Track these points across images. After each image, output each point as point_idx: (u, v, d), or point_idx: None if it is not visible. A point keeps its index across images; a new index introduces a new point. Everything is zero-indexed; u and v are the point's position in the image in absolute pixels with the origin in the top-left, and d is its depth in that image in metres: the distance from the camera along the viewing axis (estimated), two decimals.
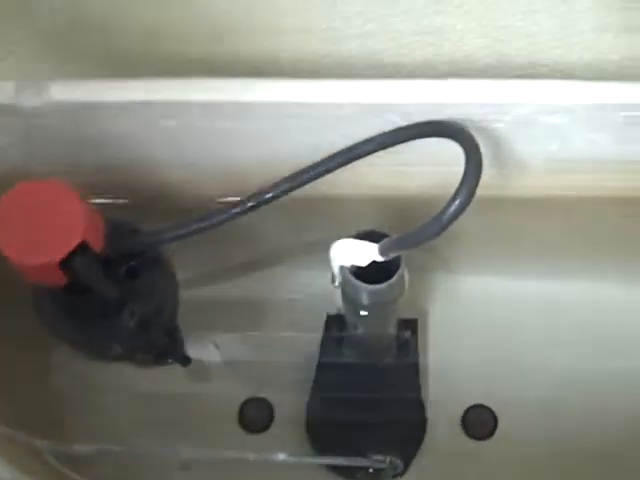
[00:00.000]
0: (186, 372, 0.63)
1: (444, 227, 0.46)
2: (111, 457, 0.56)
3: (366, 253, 0.49)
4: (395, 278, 0.50)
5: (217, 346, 0.64)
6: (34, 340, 0.58)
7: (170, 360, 0.58)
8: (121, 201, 0.60)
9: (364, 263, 0.49)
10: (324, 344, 0.65)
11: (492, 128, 0.50)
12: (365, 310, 0.55)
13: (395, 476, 0.59)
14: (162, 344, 0.54)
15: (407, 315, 0.66)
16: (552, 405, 0.65)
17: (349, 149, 0.49)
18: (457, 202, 0.45)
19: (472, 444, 0.65)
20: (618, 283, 0.66)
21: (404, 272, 0.52)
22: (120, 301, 0.50)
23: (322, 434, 0.63)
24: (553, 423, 0.65)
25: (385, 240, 0.48)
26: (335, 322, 0.64)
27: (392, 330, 0.64)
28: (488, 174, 0.58)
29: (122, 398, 0.64)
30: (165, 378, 0.63)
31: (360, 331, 0.61)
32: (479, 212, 0.62)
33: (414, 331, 0.66)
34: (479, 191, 0.57)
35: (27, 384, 0.63)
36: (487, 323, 0.67)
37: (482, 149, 0.46)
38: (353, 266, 0.51)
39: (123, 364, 0.60)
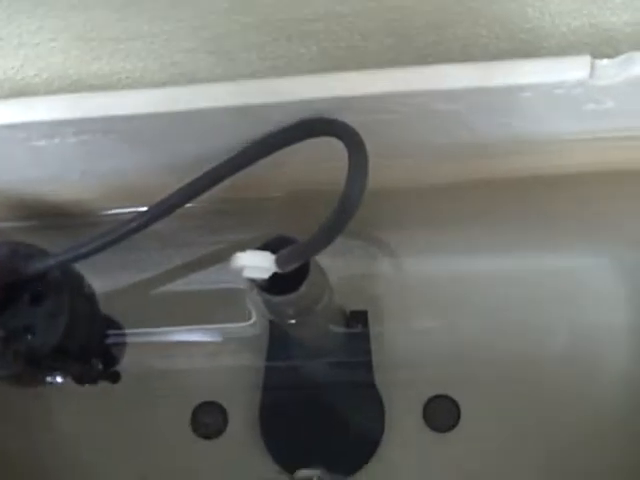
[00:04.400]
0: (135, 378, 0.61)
1: (336, 234, 0.42)
2: None
3: (265, 266, 0.45)
4: (303, 288, 0.47)
5: None
6: None
7: (97, 380, 0.55)
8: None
9: (265, 276, 0.46)
10: (270, 346, 0.62)
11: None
12: (291, 318, 0.52)
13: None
14: (78, 367, 0.52)
15: (358, 306, 0.63)
16: (515, 390, 0.62)
17: (232, 158, 0.45)
18: (345, 207, 0.41)
19: (434, 436, 0.62)
20: (571, 258, 0.62)
21: (318, 277, 0.49)
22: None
23: (277, 437, 0.61)
24: (518, 410, 0.61)
25: (280, 253, 0.45)
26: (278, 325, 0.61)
27: (339, 325, 0.61)
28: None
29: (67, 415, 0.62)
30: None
31: (301, 334, 0.58)
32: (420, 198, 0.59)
33: (365, 323, 0.62)
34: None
35: None
36: (442, 308, 0.63)
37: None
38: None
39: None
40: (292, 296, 0.47)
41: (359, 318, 0.62)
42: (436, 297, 0.63)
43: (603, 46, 0.50)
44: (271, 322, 0.61)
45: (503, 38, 0.49)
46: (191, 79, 0.48)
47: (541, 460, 0.60)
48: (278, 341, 0.62)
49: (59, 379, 0.53)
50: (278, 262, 0.45)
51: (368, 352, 0.62)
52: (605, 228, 0.61)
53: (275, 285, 0.48)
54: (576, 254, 0.62)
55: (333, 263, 0.60)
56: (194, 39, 0.48)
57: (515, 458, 0.61)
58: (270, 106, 0.44)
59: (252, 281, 0.48)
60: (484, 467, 0.61)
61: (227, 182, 0.49)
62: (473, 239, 0.61)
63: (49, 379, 0.52)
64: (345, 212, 0.41)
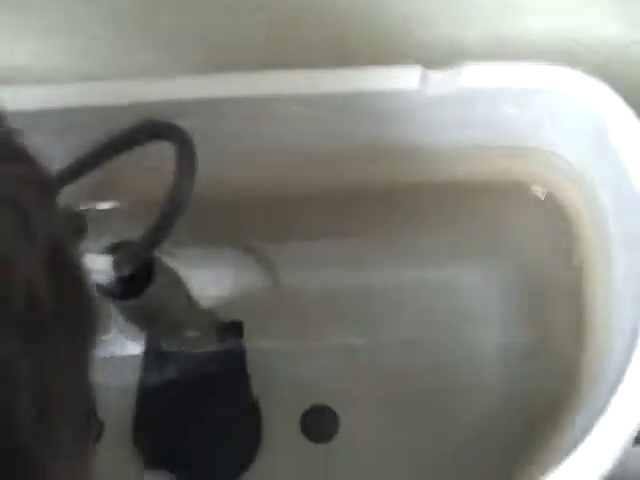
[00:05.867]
0: None
1: (164, 234, 0.43)
2: None
3: (104, 268, 0.46)
4: (146, 292, 0.47)
5: None
6: None
7: None
8: None
9: (109, 279, 0.46)
10: (145, 360, 0.62)
11: None
12: (146, 324, 0.52)
13: None
14: None
15: (234, 317, 0.63)
16: (393, 406, 0.62)
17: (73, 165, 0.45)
18: (171, 209, 0.42)
19: (312, 447, 0.62)
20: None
21: (167, 280, 0.49)
22: None
23: (152, 448, 0.61)
24: (396, 420, 0.61)
25: (116, 255, 0.45)
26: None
27: (213, 337, 0.61)
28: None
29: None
30: None
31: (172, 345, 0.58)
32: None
33: (240, 334, 0.63)
34: None
35: None
36: (321, 321, 0.64)
37: None
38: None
39: None
40: (140, 300, 0.48)
41: (235, 329, 0.63)
42: (314, 310, 0.64)
43: None
44: (146, 336, 0.61)
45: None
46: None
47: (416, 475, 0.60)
48: (152, 356, 0.61)
49: None
50: (115, 264, 0.45)
51: (243, 363, 0.62)
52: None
53: (127, 292, 0.49)
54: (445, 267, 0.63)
55: (211, 274, 0.61)
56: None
57: (389, 474, 0.61)
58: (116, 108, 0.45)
59: (102, 289, 0.48)
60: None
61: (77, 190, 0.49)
62: (339, 253, 0.62)
63: None
64: (171, 213, 0.42)
